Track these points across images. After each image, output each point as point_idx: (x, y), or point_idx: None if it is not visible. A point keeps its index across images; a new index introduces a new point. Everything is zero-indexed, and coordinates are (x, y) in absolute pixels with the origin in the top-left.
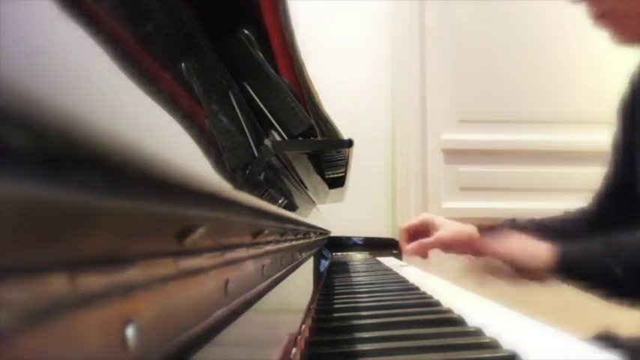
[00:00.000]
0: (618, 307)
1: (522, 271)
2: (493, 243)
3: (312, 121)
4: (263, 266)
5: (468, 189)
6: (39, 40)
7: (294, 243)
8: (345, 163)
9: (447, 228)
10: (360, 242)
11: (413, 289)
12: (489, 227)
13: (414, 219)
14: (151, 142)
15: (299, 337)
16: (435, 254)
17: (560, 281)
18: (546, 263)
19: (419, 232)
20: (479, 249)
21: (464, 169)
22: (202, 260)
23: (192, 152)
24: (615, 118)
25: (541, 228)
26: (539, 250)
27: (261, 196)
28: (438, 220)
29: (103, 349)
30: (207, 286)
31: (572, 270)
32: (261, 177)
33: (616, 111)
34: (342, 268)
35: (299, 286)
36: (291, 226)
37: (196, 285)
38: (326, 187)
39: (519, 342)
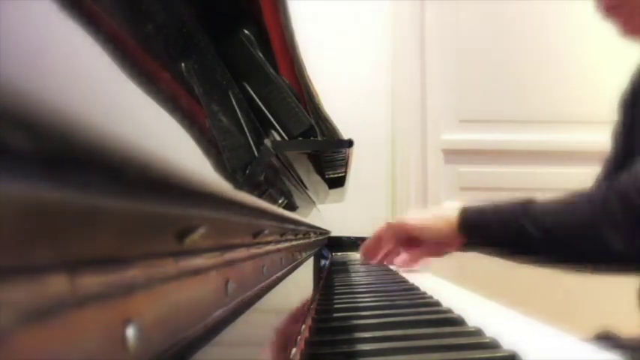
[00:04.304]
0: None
1: (428, 240)
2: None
3: (312, 121)
4: (263, 266)
5: (468, 189)
6: (39, 40)
7: (294, 243)
8: (345, 163)
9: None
10: (359, 242)
11: (413, 289)
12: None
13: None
14: (151, 142)
15: (299, 337)
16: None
17: (468, 245)
18: (452, 223)
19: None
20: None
21: (464, 169)
22: (202, 260)
23: (192, 152)
24: (616, 112)
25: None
26: (443, 212)
27: (261, 196)
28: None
29: (103, 349)
30: (207, 286)
31: (481, 229)
32: (261, 177)
33: (617, 104)
34: (342, 268)
35: (299, 286)
36: (291, 226)
37: (196, 285)
38: (326, 187)
39: (519, 342)
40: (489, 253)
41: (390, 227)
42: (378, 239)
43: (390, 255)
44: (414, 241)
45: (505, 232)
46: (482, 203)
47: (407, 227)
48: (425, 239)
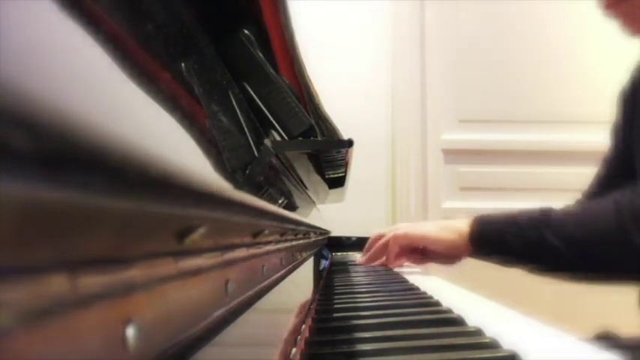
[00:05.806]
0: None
1: (439, 252)
2: (410, 227)
3: (312, 121)
4: (263, 266)
5: (468, 189)
6: (39, 40)
7: (294, 243)
8: (345, 163)
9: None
10: (359, 242)
11: (413, 289)
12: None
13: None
14: (151, 142)
15: (299, 337)
16: None
17: (479, 256)
18: (463, 234)
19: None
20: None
21: (464, 169)
22: (202, 260)
23: (193, 152)
24: (615, 109)
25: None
26: (456, 225)
27: (261, 196)
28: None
29: (103, 349)
30: (207, 286)
31: (496, 239)
32: (261, 177)
33: (617, 100)
34: (342, 268)
35: (299, 286)
36: (291, 226)
37: (196, 285)
38: (326, 187)
39: (519, 342)
40: (503, 264)
41: (396, 239)
42: (383, 248)
43: (395, 263)
44: (421, 251)
45: (522, 242)
46: (492, 213)
47: (413, 239)
48: (434, 250)
